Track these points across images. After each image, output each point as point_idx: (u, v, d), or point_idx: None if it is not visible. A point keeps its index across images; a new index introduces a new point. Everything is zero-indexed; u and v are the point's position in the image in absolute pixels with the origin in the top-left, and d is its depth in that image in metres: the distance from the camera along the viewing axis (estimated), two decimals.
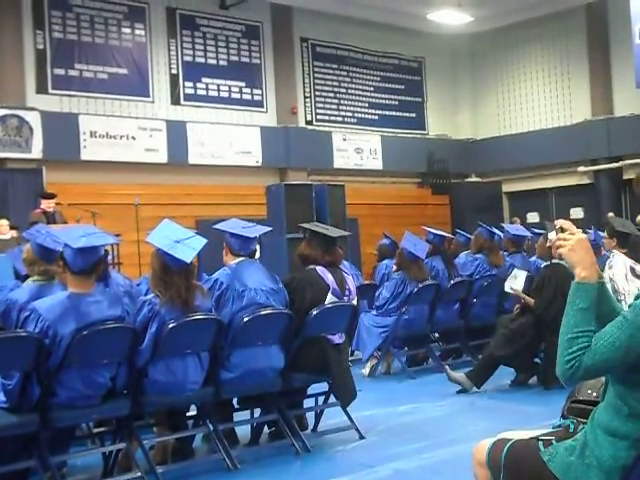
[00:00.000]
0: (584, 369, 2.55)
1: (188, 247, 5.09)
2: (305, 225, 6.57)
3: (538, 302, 7.45)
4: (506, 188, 21.09)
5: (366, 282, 10.48)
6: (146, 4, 16.51)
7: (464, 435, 5.72)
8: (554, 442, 2.85)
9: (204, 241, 5.24)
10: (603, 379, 2.82)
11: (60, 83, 15.21)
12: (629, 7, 17.70)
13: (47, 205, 12.23)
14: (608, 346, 2.53)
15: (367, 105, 20.06)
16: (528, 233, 10.30)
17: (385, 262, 10.35)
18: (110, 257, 6.89)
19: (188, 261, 5.02)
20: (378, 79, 20.32)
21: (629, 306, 2.62)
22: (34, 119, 14.48)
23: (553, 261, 7.20)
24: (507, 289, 8.05)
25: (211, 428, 5.41)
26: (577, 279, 2.62)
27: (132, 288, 6.14)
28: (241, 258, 5.75)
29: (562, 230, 2.70)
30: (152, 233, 5.33)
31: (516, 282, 7.94)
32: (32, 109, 14.57)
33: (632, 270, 6.58)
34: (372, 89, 20.20)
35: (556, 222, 2.75)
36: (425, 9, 18.55)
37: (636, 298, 2.61)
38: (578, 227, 2.83)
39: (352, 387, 6.06)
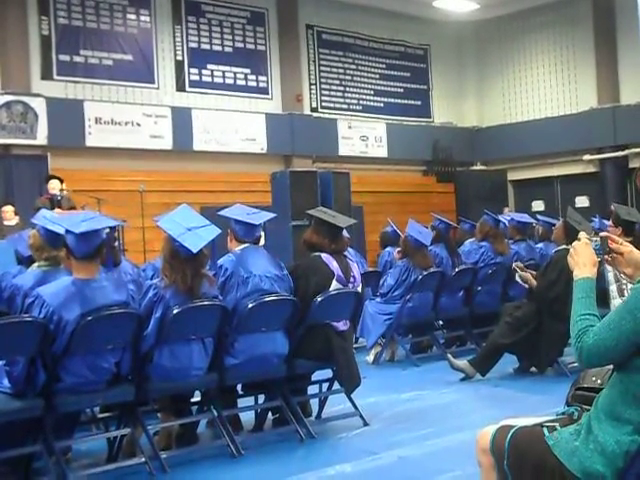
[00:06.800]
0: (587, 349, 2.71)
1: (198, 236, 5.05)
2: (312, 212, 6.45)
3: (540, 283, 7.45)
4: (511, 176, 21.04)
5: (370, 269, 10.47)
6: None
7: (468, 422, 5.72)
8: (558, 428, 2.86)
9: (217, 232, 5.19)
10: (609, 366, 2.86)
11: (65, 69, 15.18)
12: None
13: (52, 188, 12.24)
14: (604, 326, 2.71)
15: (372, 92, 20.01)
16: (532, 220, 10.30)
17: (388, 249, 10.34)
18: (117, 243, 6.85)
19: (194, 251, 4.98)
20: (384, 66, 20.26)
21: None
22: (39, 105, 14.45)
23: (563, 246, 7.16)
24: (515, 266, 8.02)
25: (215, 414, 5.42)
26: (574, 279, 2.92)
27: (140, 277, 6.14)
28: (245, 244, 5.74)
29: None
30: (166, 216, 5.29)
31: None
32: (37, 95, 14.54)
33: None
34: (377, 76, 20.14)
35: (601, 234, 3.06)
36: None
37: (637, 282, 2.73)
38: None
39: (356, 374, 6.06)
